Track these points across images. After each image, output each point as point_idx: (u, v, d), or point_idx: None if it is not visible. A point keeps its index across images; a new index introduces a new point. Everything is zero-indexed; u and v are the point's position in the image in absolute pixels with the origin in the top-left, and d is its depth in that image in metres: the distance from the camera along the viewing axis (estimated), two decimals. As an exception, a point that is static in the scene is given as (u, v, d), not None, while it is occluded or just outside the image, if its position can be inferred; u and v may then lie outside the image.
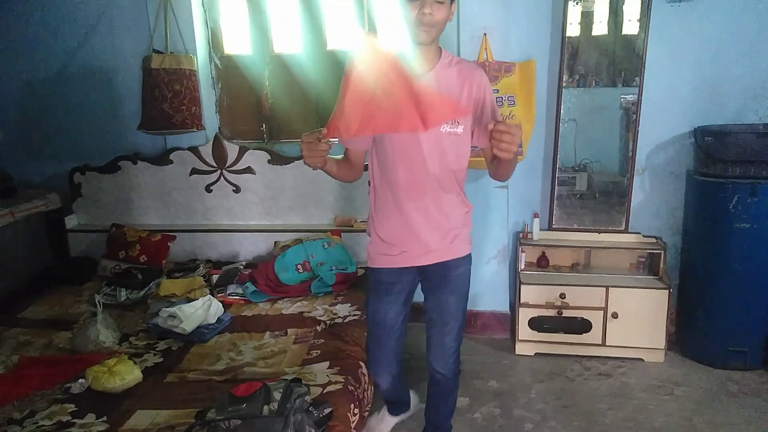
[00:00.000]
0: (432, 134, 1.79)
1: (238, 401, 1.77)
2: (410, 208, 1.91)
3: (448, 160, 1.87)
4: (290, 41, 3.49)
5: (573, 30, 3.06)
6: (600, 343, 3.04)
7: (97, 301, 2.58)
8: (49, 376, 2.20)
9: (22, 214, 3.25)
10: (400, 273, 2.01)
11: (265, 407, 1.74)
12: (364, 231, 3.25)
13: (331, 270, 3.00)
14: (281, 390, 1.81)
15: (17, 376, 2.21)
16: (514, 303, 3.21)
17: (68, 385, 2.14)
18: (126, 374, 2.14)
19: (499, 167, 1.86)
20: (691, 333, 3.07)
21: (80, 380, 2.14)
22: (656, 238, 3.17)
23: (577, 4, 3.03)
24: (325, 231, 3.28)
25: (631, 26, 3.04)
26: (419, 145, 1.84)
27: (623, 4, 3.01)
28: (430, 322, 2.07)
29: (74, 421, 1.94)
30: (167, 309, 2.55)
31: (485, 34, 3.00)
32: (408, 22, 1.73)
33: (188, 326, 2.49)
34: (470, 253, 2.03)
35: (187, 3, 3.31)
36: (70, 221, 3.57)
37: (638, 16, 2.99)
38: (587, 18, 3.07)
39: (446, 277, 2.00)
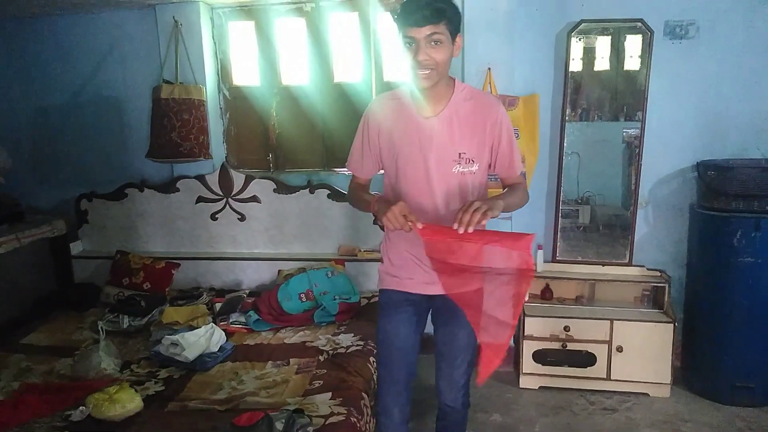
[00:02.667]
0: (443, 177, 1.78)
1: (240, 431, 1.76)
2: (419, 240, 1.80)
3: (468, 196, 1.81)
4: (298, 73, 3.56)
5: (575, 65, 3.12)
6: (605, 377, 3.01)
7: (100, 327, 2.58)
8: (49, 403, 2.19)
9: (27, 240, 3.27)
10: (409, 294, 1.94)
11: (267, 437, 1.73)
12: (368, 260, 3.30)
13: (335, 299, 3.00)
14: (284, 420, 1.80)
15: (18, 402, 2.19)
16: (518, 335, 3.19)
17: (69, 412, 2.12)
18: (127, 402, 2.13)
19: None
20: (697, 368, 3.04)
21: (81, 408, 2.12)
22: (660, 272, 3.16)
23: (579, 40, 3.09)
24: (329, 260, 3.29)
25: (632, 62, 3.09)
26: (431, 187, 1.81)
27: (624, 40, 3.07)
28: (440, 355, 2.02)
29: (73, 449, 1.93)
30: (170, 336, 2.55)
31: (489, 68, 3.05)
32: (407, 67, 1.69)
33: (191, 354, 2.48)
34: None
35: (197, 35, 3.39)
36: (76, 247, 3.59)
37: (639, 53, 3.04)
38: (589, 54, 3.13)
39: (455, 312, 1.84)
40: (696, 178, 3.05)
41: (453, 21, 1.66)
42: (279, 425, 1.77)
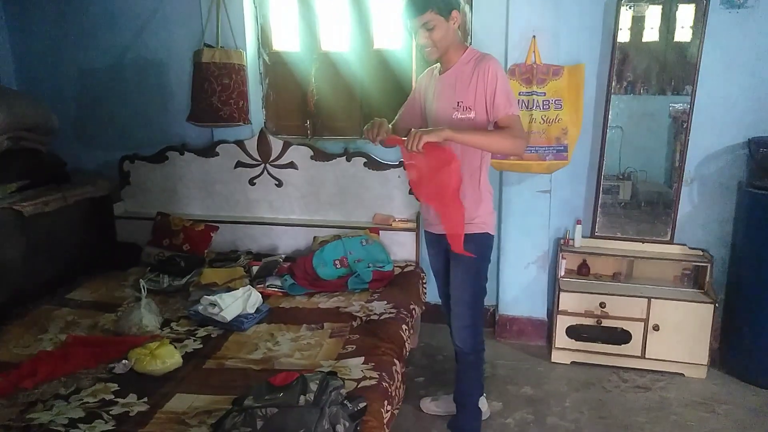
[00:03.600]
0: (444, 121, 2.11)
1: (275, 390, 1.79)
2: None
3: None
4: (338, 39, 3.53)
5: (623, 35, 3.01)
6: (639, 355, 2.98)
7: (141, 286, 2.65)
8: (94, 356, 2.27)
9: (73, 199, 3.36)
10: (428, 233, 2.42)
11: (302, 397, 1.75)
12: (401, 230, 3.30)
13: (368, 267, 3.02)
14: (317, 381, 1.83)
15: (65, 353, 2.29)
16: (552, 310, 3.17)
17: (112, 365, 2.20)
18: (167, 358, 2.20)
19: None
20: (736, 350, 2.98)
21: (123, 361, 2.20)
22: (703, 251, 3.08)
23: (629, 9, 2.97)
24: (363, 228, 3.30)
25: (683, 33, 2.97)
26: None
27: (676, 10, 2.94)
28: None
29: (117, 400, 2.00)
30: (208, 297, 2.61)
31: (534, 36, 2.97)
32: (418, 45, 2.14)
33: (228, 315, 2.53)
34: (477, 234, 2.20)
35: (238, -1, 3.38)
36: (118, 208, 3.68)
37: (692, 23, 2.92)
38: (638, 23, 3.01)
39: (456, 256, 2.20)
40: (746, 155, 2.94)
41: (440, 4, 2.02)
42: (313, 386, 1.80)
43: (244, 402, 1.77)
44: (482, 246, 2.25)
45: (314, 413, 1.69)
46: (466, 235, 2.11)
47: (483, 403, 2.58)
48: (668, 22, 2.98)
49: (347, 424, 1.75)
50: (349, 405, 1.86)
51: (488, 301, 3.42)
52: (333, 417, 1.73)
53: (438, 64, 2.25)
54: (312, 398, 1.75)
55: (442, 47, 2.10)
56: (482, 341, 2.40)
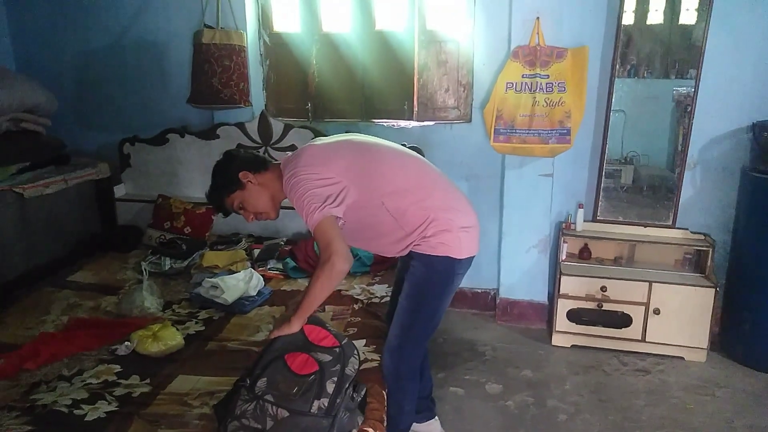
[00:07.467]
0: None
1: (291, 378, 1.66)
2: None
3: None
4: (339, 20, 3.49)
5: (628, 18, 2.97)
6: (640, 338, 2.99)
7: (143, 268, 2.65)
8: (96, 338, 2.27)
9: (74, 182, 3.35)
10: None
11: (315, 402, 1.64)
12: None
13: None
14: (335, 380, 1.69)
15: (67, 335, 2.29)
16: (553, 294, 3.18)
17: (114, 347, 2.21)
18: (169, 340, 2.20)
19: None
20: (735, 334, 2.99)
21: (126, 343, 2.21)
22: (705, 235, 3.08)
23: (633, -10, 2.94)
24: (365, 212, 3.29)
25: (688, 16, 2.94)
26: None
27: (681, -8, 2.91)
28: None
29: (119, 381, 2.01)
30: (210, 279, 2.61)
31: (538, 17, 2.94)
32: None
33: (230, 297, 2.54)
34: (425, 254, 1.87)
35: (238, -21, 3.33)
36: (119, 190, 3.67)
37: (696, 5, 2.89)
38: (643, 5, 2.98)
39: (406, 266, 1.98)
40: (751, 139, 2.92)
41: (225, 185, 1.91)
42: (330, 386, 1.66)
43: (257, 383, 1.65)
44: (428, 267, 1.90)
45: (325, 424, 1.63)
46: (414, 252, 1.90)
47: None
48: (673, 4, 2.95)
49: (360, 419, 1.75)
50: (356, 396, 1.79)
51: (489, 284, 3.48)
52: (347, 424, 1.69)
53: None
54: (326, 405, 1.64)
55: (267, 205, 1.93)
56: (409, 373, 2.04)
